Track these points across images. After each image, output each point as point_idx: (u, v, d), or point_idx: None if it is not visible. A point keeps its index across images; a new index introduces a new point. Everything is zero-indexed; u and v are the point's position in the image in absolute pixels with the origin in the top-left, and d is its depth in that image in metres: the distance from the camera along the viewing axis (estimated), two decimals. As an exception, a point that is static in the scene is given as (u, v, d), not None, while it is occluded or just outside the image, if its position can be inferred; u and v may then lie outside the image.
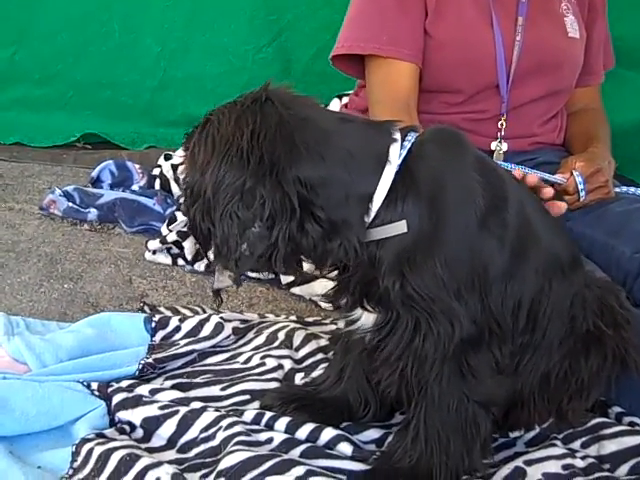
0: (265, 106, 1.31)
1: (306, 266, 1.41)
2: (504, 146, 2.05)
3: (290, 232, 1.27)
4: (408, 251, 1.33)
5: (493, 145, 2.05)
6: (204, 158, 1.30)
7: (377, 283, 1.35)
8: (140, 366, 1.72)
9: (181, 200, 1.42)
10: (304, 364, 1.82)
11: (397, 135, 1.37)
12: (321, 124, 1.33)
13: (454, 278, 1.33)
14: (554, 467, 1.47)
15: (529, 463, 1.48)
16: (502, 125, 2.04)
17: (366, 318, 1.43)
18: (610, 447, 1.55)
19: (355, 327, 1.46)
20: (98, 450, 1.44)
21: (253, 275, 2.29)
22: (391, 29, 1.95)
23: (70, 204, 2.64)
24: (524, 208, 1.43)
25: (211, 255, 1.35)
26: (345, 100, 2.61)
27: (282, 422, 1.54)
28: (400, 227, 1.33)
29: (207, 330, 1.87)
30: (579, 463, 1.49)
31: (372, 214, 1.33)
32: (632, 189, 2.03)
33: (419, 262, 1.32)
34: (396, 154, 1.34)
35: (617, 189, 2.01)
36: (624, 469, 1.52)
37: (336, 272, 1.43)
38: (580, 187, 1.90)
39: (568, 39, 2.08)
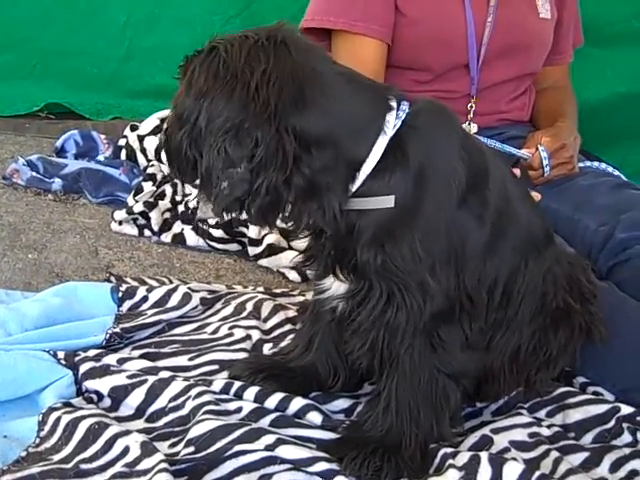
0: (279, 48, 1.28)
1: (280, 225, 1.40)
2: (474, 128, 2.05)
3: (275, 183, 1.25)
4: (388, 224, 1.32)
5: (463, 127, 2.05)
6: (204, 85, 1.27)
7: (352, 252, 1.35)
8: (107, 336, 1.71)
9: (164, 124, 1.41)
10: (272, 335, 1.82)
11: (393, 103, 1.36)
12: (327, 78, 1.32)
13: (430, 254, 1.33)
14: (520, 435, 1.49)
15: (496, 431, 1.50)
16: (471, 107, 2.04)
17: (337, 287, 1.43)
18: (575, 416, 1.57)
19: (325, 296, 1.46)
20: (66, 419, 1.43)
21: (220, 247, 2.30)
22: (362, 4, 1.93)
23: (34, 174, 2.61)
24: (505, 185, 1.44)
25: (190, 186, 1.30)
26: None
27: (251, 391, 1.54)
28: (387, 202, 1.32)
29: (175, 300, 1.86)
30: (545, 431, 1.52)
31: (358, 183, 1.33)
32: (596, 164, 2.07)
33: (398, 236, 1.32)
34: (391, 123, 1.34)
35: (581, 164, 2.04)
36: (588, 437, 1.55)
37: (309, 238, 1.43)
38: (545, 162, 1.92)
39: (539, 20, 2.08)
